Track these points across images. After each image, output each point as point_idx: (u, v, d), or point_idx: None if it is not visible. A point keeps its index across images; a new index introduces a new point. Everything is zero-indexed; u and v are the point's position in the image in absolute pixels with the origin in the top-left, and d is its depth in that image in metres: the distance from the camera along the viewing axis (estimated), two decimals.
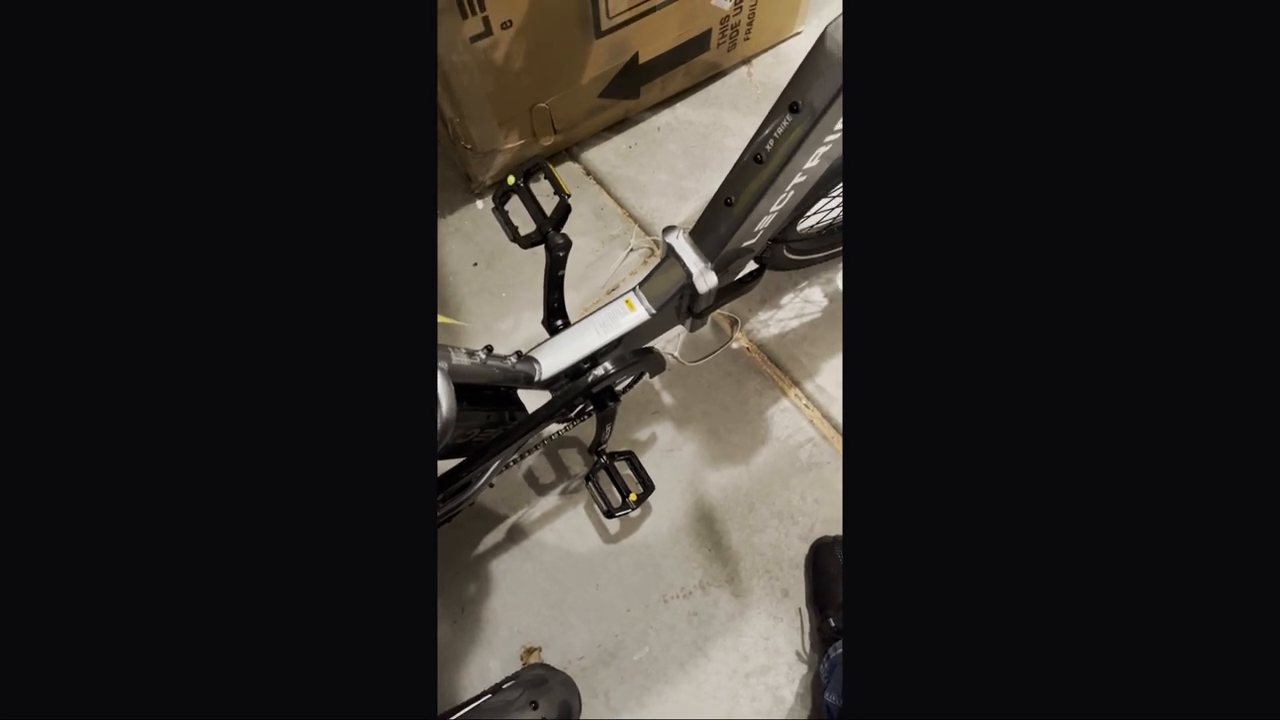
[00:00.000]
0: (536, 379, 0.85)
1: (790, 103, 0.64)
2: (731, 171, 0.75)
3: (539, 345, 0.87)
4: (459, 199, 1.40)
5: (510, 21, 1.07)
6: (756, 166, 0.71)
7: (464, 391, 0.78)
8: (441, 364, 0.65)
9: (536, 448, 1.12)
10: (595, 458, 1.05)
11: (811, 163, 0.70)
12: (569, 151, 1.44)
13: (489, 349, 0.76)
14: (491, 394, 0.86)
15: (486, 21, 1.04)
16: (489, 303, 1.29)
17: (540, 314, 0.92)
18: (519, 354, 0.85)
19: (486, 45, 1.08)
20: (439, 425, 0.58)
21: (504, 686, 0.92)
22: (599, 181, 1.42)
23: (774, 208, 0.77)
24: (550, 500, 1.14)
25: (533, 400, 0.90)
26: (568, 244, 0.83)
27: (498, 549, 1.11)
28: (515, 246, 0.85)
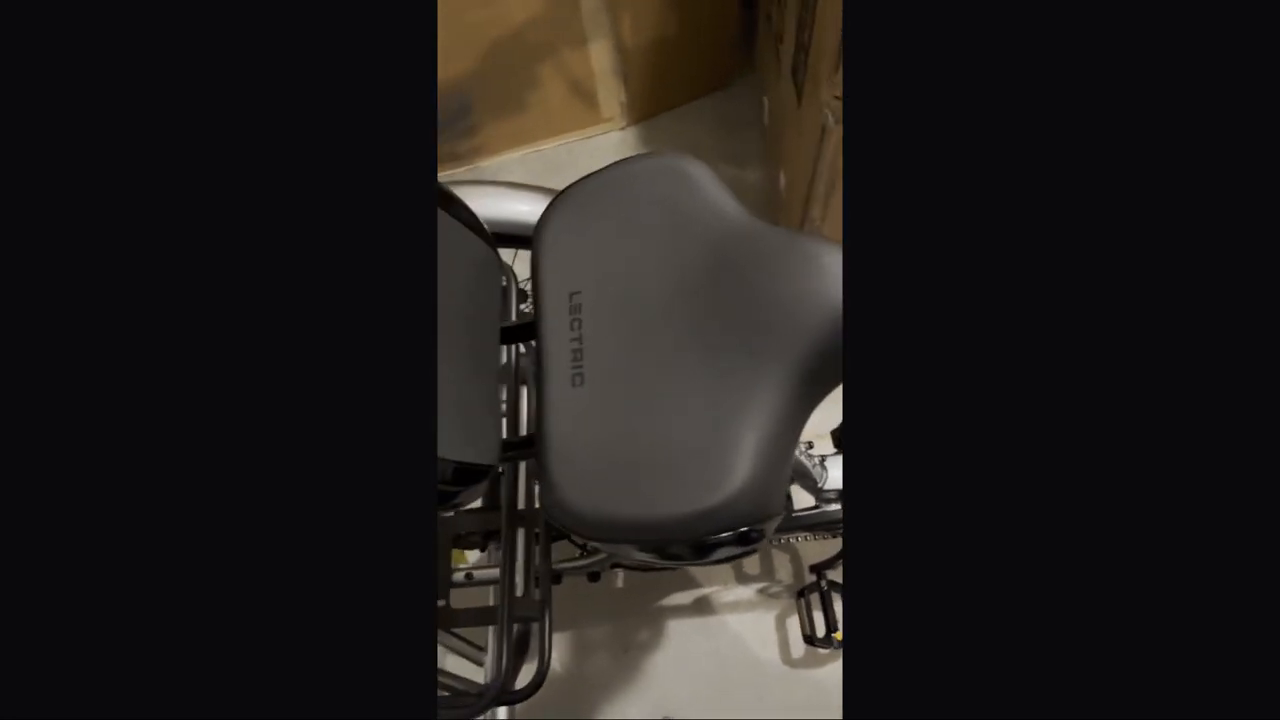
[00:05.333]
0: (820, 485, 0.84)
1: None
2: None
3: (835, 454, 0.87)
4: None
5: None
6: None
7: None
8: None
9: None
10: (814, 577, 1.02)
11: None
12: None
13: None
14: None
15: None
16: None
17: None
18: (810, 446, 0.85)
19: None
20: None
21: None
22: None
23: None
24: (747, 591, 1.11)
25: None
26: None
27: (681, 611, 1.11)
28: None
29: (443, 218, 0.55)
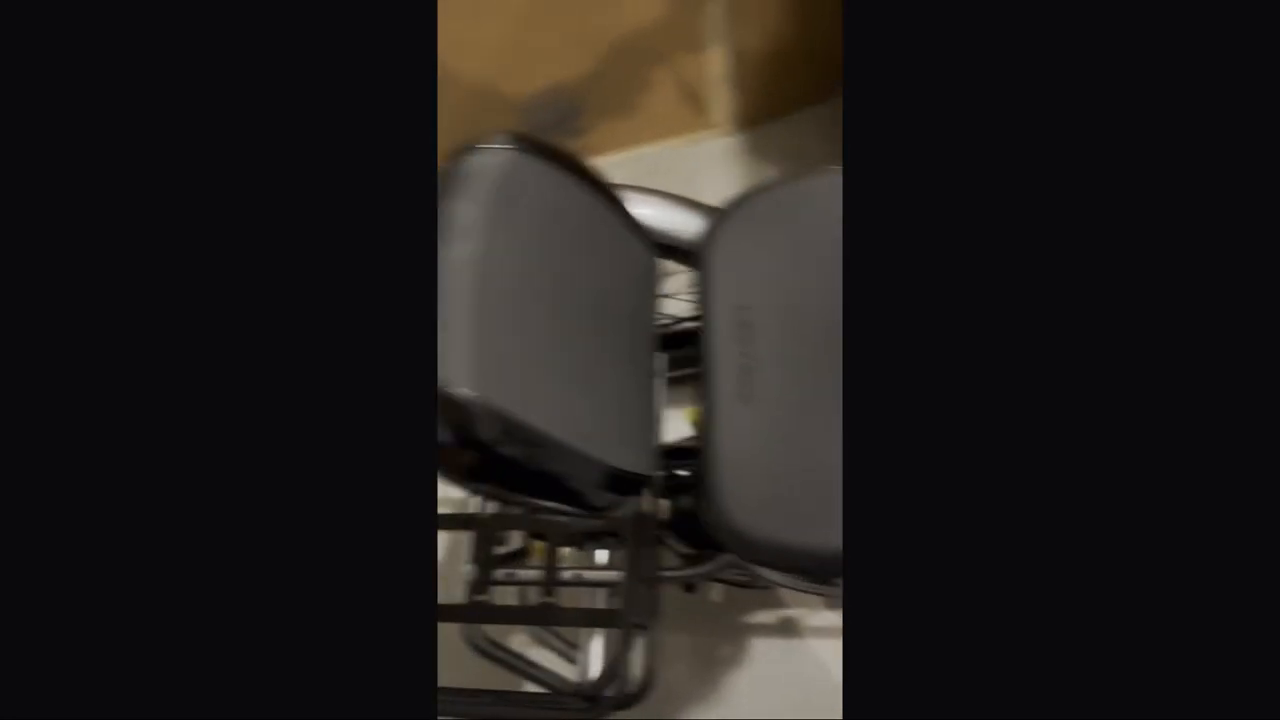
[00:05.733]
0: None
1: None
2: None
3: None
4: None
5: None
6: None
7: None
8: None
9: None
10: None
11: None
12: None
13: None
14: None
15: None
16: None
17: None
18: None
19: None
20: None
21: None
22: None
23: None
24: (835, 616, 1.08)
25: None
26: None
27: (765, 630, 1.08)
28: None
29: (612, 220, 0.55)
